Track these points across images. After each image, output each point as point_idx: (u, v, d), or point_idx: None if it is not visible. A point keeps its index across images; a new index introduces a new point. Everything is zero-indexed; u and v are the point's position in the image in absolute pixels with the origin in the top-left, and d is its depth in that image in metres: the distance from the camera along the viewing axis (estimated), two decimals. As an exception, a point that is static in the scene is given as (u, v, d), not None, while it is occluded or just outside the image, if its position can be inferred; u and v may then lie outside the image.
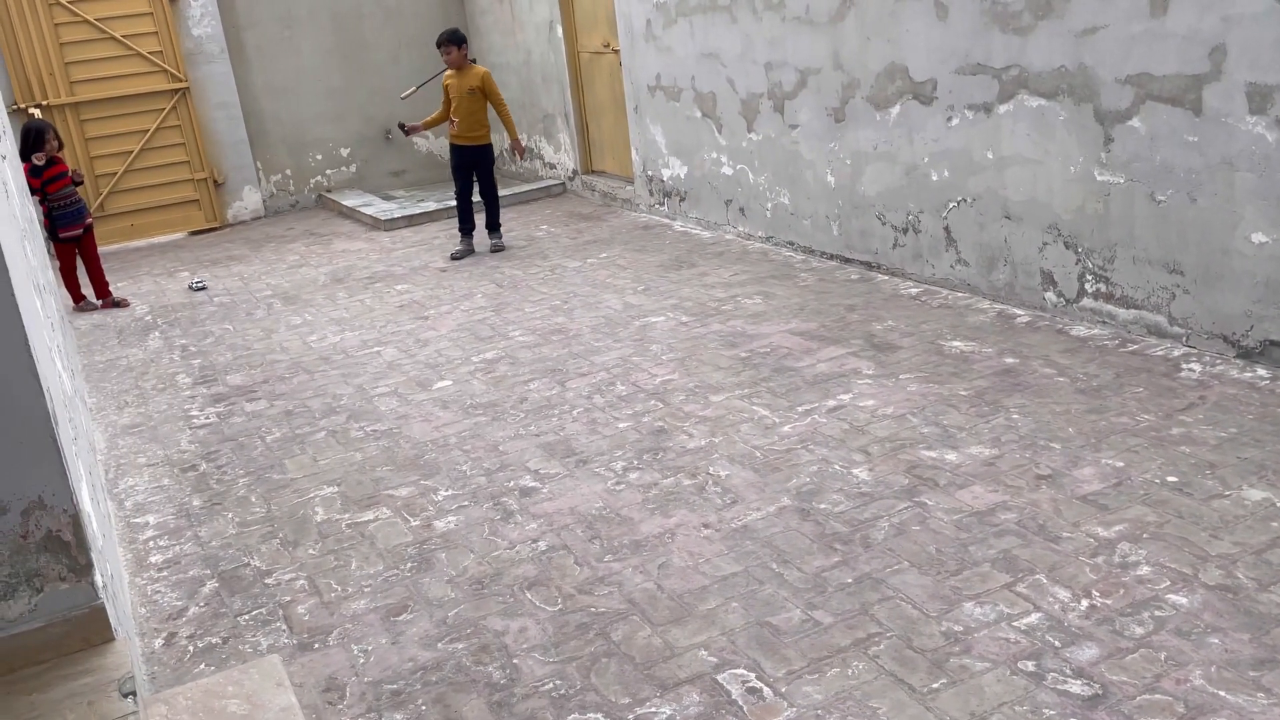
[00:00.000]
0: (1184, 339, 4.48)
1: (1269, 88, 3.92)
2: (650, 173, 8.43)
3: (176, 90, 9.82)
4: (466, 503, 3.88)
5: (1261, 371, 4.13)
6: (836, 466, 3.83)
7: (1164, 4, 4.21)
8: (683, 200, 8.07)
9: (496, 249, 7.88)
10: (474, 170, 7.79)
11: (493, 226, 7.95)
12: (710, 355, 5.13)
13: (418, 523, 3.78)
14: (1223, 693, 2.44)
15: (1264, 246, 4.09)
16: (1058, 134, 4.82)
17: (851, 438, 4.04)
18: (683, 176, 7.99)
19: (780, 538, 3.38)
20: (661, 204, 8.38)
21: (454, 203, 8.11)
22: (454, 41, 7.56)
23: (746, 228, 7.38)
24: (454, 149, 7.82)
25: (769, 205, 7.07)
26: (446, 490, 4.00)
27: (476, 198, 7.92)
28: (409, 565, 3.49)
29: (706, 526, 3.51)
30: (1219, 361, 4.28)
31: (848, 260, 6.43)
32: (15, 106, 9.05)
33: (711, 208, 7.73)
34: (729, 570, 3.23)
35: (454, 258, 7.78)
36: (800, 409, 4.37)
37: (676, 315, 5.83)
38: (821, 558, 3.23)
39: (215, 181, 10.18)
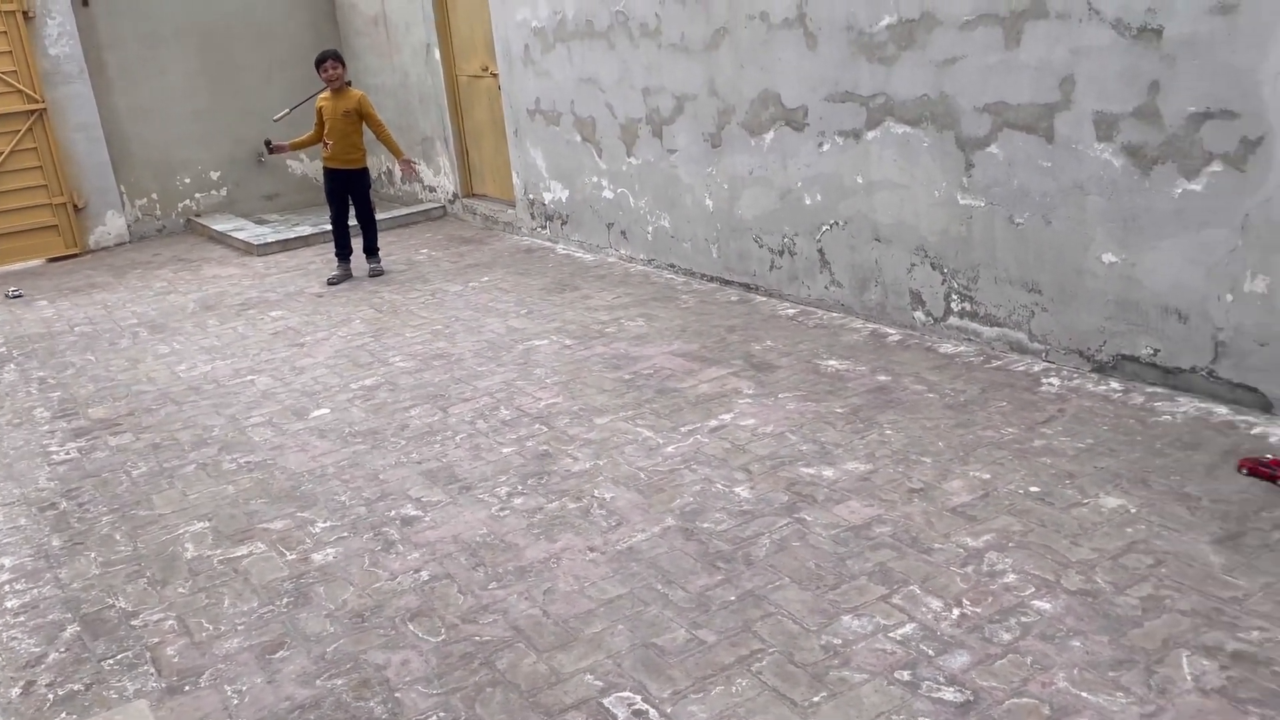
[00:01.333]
0: (1043, 355, 4.71)
1: (1114, 116, 4.17)
2: (531, 196, 8.42)
3: (33, 111, 9.36)
4: (345, 534, 3.79)
5: (1115, 384, 4.37)
6: (719, 485, 3.87)
7: (1017, 36, 4.44)
8: (565, 223, 8.09)
9: (375, 273, 7.74)
10: (349, 194, 7.64)
11: (370, 251, 7.82)
12: (594, 378, 5.14)
13: (294, 556, 3.66)
14: (1085, 694, 2.56)
15: (1114, 266, 4.33)
16: (922, 159, 5.02)
17: (733, 457, 4.10)
18: (564, 200, 8.01)
19: (665, 558, 3.40)
20: (544, 227, 8.38)
21: (330, 227, 7.94)
22: (339, 59, 7.42)
23: (628, 250, 7.44)
24: (328, 173, 7.65)
25: (650, 228, 7.14)
26: (324, 522, 3.90)
27: (353, 221, 7.77)
28: (285, 600, 3.38)
29: (592, 550, 3.51)
30: (1076, 376, 4.51)
31: (727, 282, 6.54)
32: None
33: (593, 231, 7.77)
34: (614, 593, 3.23)
35: (330, 283, 7.62)
36: (683, 429, 4.42)
37: (560, 338, 5.83)
38: (705, 577, 3.27)
39: (75, 206, 9.73)
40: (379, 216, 9.60)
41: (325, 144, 7.53)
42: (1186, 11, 3.83)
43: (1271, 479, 3.45)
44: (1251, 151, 3.76)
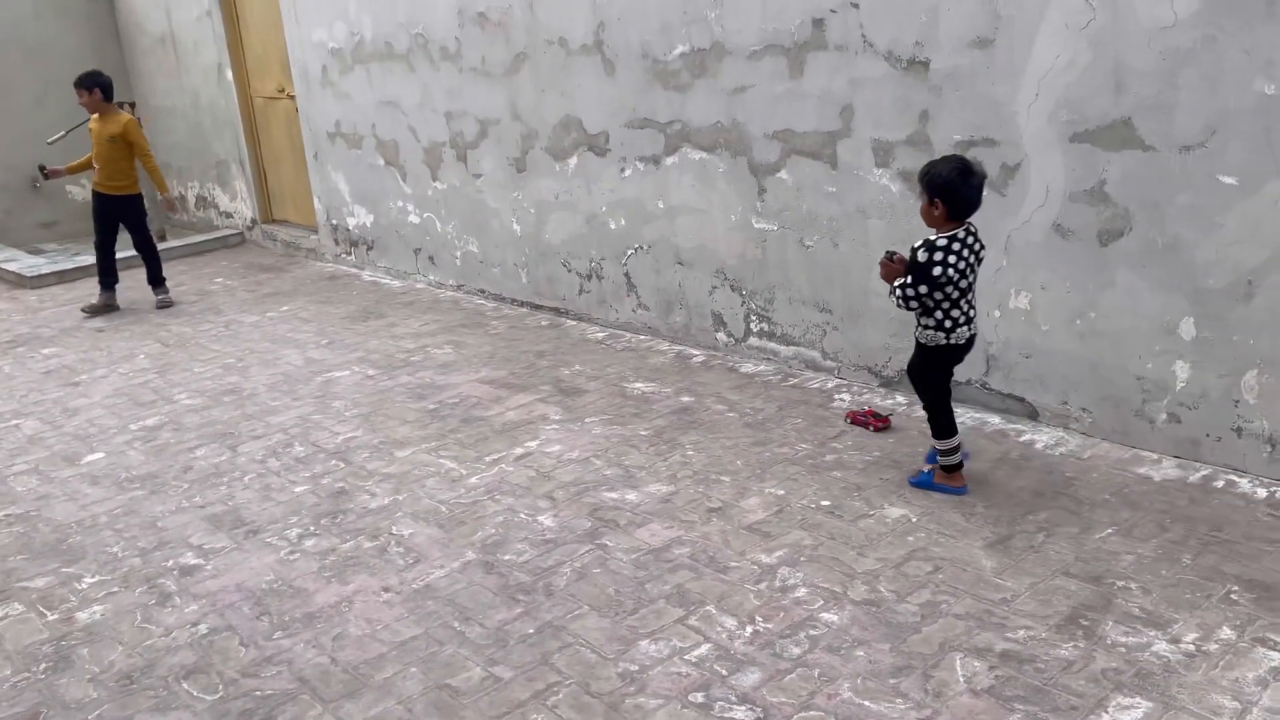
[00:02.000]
0: (836, 371, 4.89)
1: (890, 144, 4.38)
2: (335, 221, 8.15)
3: None
4: (116, 589, 3.51)
5: (900, 398, 4.57)
6: (522, 515, 3.81)
7: (800, 67, 4.61)
8: (370, 249, 7.86)
9: (163, 305, 7.30)
10: (120, 222, 7.19)
11: (155, 282, 7.36)
12: (397, 409, 4.99)
13: (56, 616, 3.36)
14: (868, 703, 2.63)
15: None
16: (719, 184, 5.14)
17: (538, 484, 4.05)
18: (369, 225, 7.79)
19: (463, 594, 3.31)
20: (348, 253, 8.12)
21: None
22: (83, 85, 6.96)
23: (437, 276, 7.29)
24: (95, 196, 7.21)
25: (458, 253, 7.03)
26: (93, 576, 3.60)
27: (133, 252, 7.33)
28: (43, 666, 3.09)
29: (387, 590, 3.37)
30: (865, 391, 4.70)
31: (537, 307, 6.50)
32: None
33: (400, 256, 7.59)
34: (408, 634, 3.11)
35: (84, 311, 7.21)
36: (488, 459, 4.33)
37: (363, 369, 5.64)
38: (504, 610, 3.20)
39: None
40: (172, 243, 9.11)
41: (94, 167, 7.11)
42: (949, 45, 4.07)
43: (865, 425, 4.28)
44: (1011, 177, 4.03)
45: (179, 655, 3.09)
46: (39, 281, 8.25)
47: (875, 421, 4.29)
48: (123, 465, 4.56)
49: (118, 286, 7.37)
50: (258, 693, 2.88)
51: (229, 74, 8.78)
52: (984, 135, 4.06)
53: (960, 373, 4.39)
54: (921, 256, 3.41)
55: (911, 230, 4.39)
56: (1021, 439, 4.06)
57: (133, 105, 9.91)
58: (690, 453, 4.22)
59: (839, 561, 3.30)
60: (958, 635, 2.87)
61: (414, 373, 5.51)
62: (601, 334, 5.92)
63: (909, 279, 3.45)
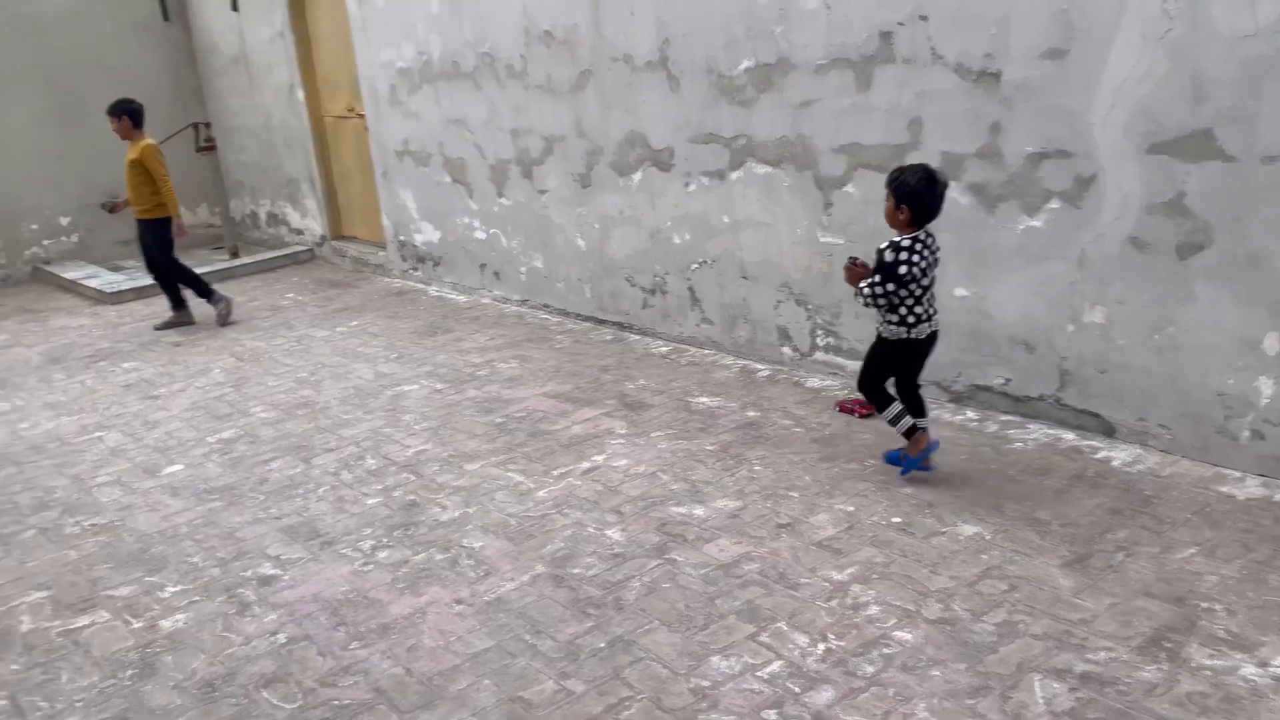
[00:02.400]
0: (904, 386, 4.84)
1: (960, 156, 4.34)
2: (402, 238, 8.29)
3: None
4: (197, 598, 3.60)
5: (970, 414, 4.51)
6: (590, 529, 3.83)
7: (868, 81, 4.59)
8: (437, 265, 7.98)
9: (222, 317, 7.38)
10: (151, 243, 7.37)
11: (202, 295, 7.47)
12: (465, 423, 5.05)
13: (141, 624, 3.46)
14: (944, 722, 2.60)
15: (965, 300, 4.49)
16: (784, 199, 5.13)
17: (605, 499, 4.07)
18: (436, 241, 7.91)
19: (534, 607, 3.34)
20: (415, 269, 8.25)
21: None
22: (113, 113, 7.14)
23: (502, 291, 7.38)
24: (135, 221, 7.42)
25: (523, 269, 7.10)
26: (175, 586, 3.70)
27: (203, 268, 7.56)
28: (129, 673, 3.18)
29: (459, 602, 3.42)
30: (934, 406, 4.63)
31: (601, 321, 6.54)
32: None
33: (466, 272, 7.69)
34: (481, 646, 3.14)
35: (156, 328, 7.47)
36: (555, 473, 4.37)
37: (431, 383, 5.72)
38: (575, 624, 3.21)
39: (-92, 254, 9.12)
40: (244, 260, 9.36)
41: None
42: (1021, 56, 4.03)
43: (851, 412, 4.64)
44: (1085, 189, 3.96)
45: (259, 664, 3.16)
46: (119, 297, 8.51)
47: (861, 409, 4.63)
48: (201, 477, 4.68)
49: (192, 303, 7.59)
50: (335, 702, 2.94)
51: (300, 94, 8.99)
52: (1057, 147, 4.00)
53: (1033, 388, 4.33)
54: (889, 257, 3.69)
55: (982, 244, 4.35)
56: (1097, 456, 3.98)
57: (208, 125, 10.22)
58: (757, 468, 4.21)
59: (911, 579, 3.26)
60: (1036, 656, 2.82)
61: (481, 387, 5.58)
62: (665, 348, 5.93)
63: (877, 278, 3.73)
